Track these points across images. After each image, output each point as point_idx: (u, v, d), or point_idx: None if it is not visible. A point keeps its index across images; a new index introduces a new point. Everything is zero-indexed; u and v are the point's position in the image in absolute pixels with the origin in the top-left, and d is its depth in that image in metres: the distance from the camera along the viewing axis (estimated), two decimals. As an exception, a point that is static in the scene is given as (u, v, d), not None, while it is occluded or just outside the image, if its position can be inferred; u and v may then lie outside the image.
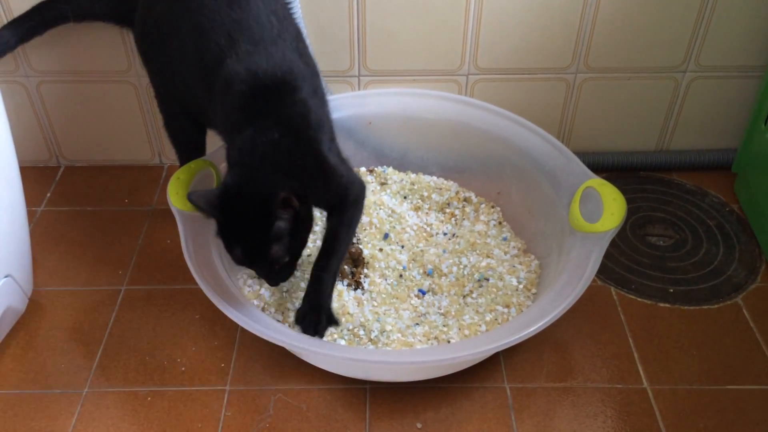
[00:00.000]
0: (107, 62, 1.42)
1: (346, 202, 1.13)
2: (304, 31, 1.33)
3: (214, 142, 1.23)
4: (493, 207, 1.40)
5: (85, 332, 1.23)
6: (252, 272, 1.20)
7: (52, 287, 1.31)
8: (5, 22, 1.34)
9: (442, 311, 1.21)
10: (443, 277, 1.27)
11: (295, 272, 1.17)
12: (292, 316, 1.17)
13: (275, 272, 1.08)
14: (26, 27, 1.27)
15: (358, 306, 1.20)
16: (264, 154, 1.02)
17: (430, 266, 1.28)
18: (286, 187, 1.00)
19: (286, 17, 1.14)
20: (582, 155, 1.30)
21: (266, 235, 1.01)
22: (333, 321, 1.12)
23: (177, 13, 1.13)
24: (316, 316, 1.10)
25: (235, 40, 1.06)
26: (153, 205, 1.49)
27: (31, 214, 1.41)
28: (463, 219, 1.39)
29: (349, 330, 1.16)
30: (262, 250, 1.02)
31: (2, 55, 1.27)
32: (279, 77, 1.04)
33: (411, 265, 1.29)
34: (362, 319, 1.17)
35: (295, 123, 1.04)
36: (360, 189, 1.16)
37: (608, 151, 1.55)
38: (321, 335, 1.10)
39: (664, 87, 1.47)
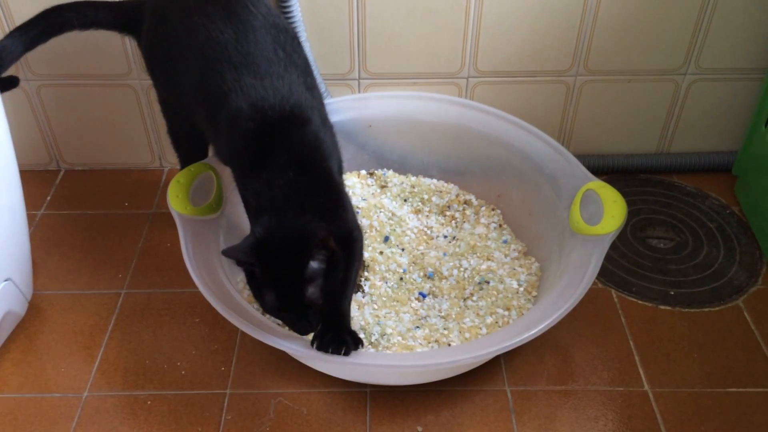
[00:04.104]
0: (107, 65, 1.42)
1: (351, 236, 1.07)
2: (308, 45, 1.34)
3: (214, 145, 1.23)
4: (493, 210, 1.40)
5: (85, 336, 1.23)
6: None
7: (52, 291, 1.31)
8: (6, 27, 1.34)
9: (442, 314, 1.21)
10: (444, 280, 1.27)
11: None
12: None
13: (306, 318, 1.00)
14: (30, 36, 1.22)
15: (358, 309, 1.20)
16: (286, 197, 0.98)
17: (430, 269, 1.28)
18: (323, 229, 0.96)
19: (295, 50, 1.12)
20: (582, 158, 1.30)
21: (301, 278, 0.96)
22: (360, 342, 1.05)
23: (184, 41, 1.11)
24: (342, 342, 1.03)
25: (240, 74, 1.04)
26: (153, 208, 1.48)
27: (31, 218, 1.41)
28: (464, 222, 1.39)
29: (349, 333, 1.16)
30: (297, 293, 0.97)
31: (8, 66, 1.22)
32: (288, 111, 1.02)
33: (411, 268, 1.29)
34: (363, 323, 1.17)
35: (308, 158, 1.02)
36: (359, 232, 1.10)
37: (608, 154, 1.55)
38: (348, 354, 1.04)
39: (665, 89, 1.47)
